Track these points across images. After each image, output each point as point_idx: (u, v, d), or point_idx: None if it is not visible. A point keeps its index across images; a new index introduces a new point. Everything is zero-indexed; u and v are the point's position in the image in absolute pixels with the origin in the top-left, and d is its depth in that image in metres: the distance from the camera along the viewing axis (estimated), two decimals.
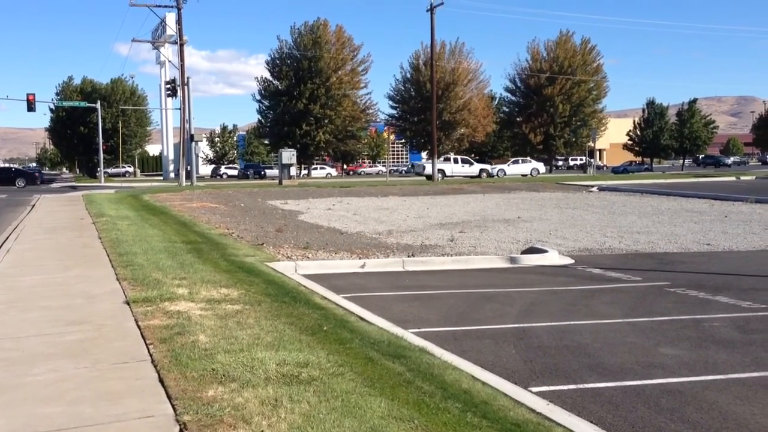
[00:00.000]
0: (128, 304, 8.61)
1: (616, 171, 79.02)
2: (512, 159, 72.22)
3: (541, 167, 68.25)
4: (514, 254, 14.50)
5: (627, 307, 9.79)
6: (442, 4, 51.77)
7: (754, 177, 51.70)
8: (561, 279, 12.16)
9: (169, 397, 5.30)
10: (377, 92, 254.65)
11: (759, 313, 9.28)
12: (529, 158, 72.44)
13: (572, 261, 14.11)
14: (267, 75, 78.39)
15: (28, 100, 55.02)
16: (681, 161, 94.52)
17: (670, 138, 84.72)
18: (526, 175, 62.77)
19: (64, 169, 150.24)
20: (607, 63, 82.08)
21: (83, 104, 72.62)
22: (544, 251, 14.38)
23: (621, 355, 7.36)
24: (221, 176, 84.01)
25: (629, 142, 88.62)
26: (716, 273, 12.72)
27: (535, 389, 6.20)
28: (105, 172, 71.86)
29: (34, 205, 28.70)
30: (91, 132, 79.38)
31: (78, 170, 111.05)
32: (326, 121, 75.62)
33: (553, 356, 7.31)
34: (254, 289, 9.63)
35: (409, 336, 7.66)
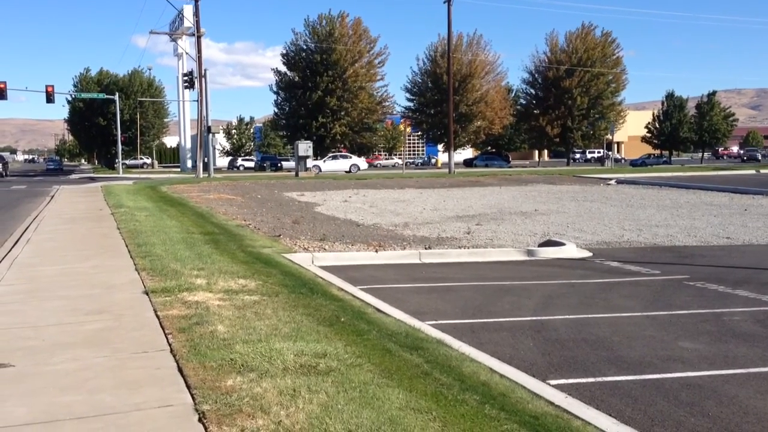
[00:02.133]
0: (147, 294, 8.66)
1: (635, 164, 78.53)
2: (330, 154, 69.54)
3: (361, 163, 63.53)
4: (532, 247, 14.45)
5: (646, 301, 9.73)
6: None
7: None
8: (579, 272, 12.11)
9: (188, 387, 5.32)
10: (394, 84, 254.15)
11: None
12: (349, 154, 70.33)
13: (590, 254, 14.05)
14: (283, 68, 78.42)
15: (46, 92, 55.30)
16: (700, 154, 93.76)
17: (689, 131, 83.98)
18: (348, 172, 58.88)
19: (83, 161, 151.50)
20: (625, 55, 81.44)
21: (101, 96, 72.95)
22: (562, 244, 14.33)
23: (640, 348, 7.31)
24: (238, 168, 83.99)
25: (648, 135, 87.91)
26: (736, 267, 12.62)
27: (553, 382, 6.18)
28: (123, 164, 72.21)
29: (53, 196, 28.92)
30: (109, 123, 79.85)
31: (96, 161, 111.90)
32: (342, 113, 75.49)
33: (572, 349, 7.28)
34: (272, 280, 9.65)
35: (427, 328, 7.65)
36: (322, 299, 8.62)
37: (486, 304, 9.57)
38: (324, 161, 62.76)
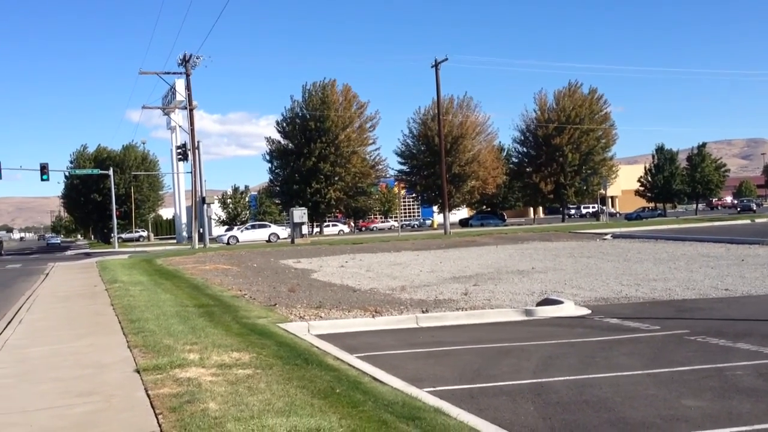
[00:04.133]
0: (138, 372, 8.50)
1: (630, 218, 78.77)
2: (249, 224, 68.47)
3: (281, 232, 60.41)
4: (530, 306, 14.31)
5: (647, 358, 9.58)
6: (446, 60, 52.42)
7: None
8: (578, 330, 11.97)
9: None
10: (386, 147, 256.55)
11: None
12: (268, 222, 69.14)
13: (589, 311, 13.92)
14: (276, 135, 79.31)
15: (41, 169, 55.67)
16: (695, 205, 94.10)
17: (681, 183, 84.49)
18: (269, 241, 56.74)
19: (79, 236, 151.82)
20: (614, 111, 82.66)
21: (96, 171, 73.43)
22: (560, 302, 14.20)
23: (642, 408, 7.15)
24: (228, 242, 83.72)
25: (641, 189, 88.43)
26: (736, 319, 12.49)
27: None
28: (119, 238, 72.21)
29: (47, 274, 28.78)
30: (104, 198, 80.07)
31: (92, 236, 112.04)
32: (336, 178, 76.08)
33: (573, 412, 7.12)
34: (266, 352, 9.50)
35: (424, 395, 7.49)
36: (317, 370, 8.46)
37: (485, 367, 9.41)
38: (242, 231, 60.77)
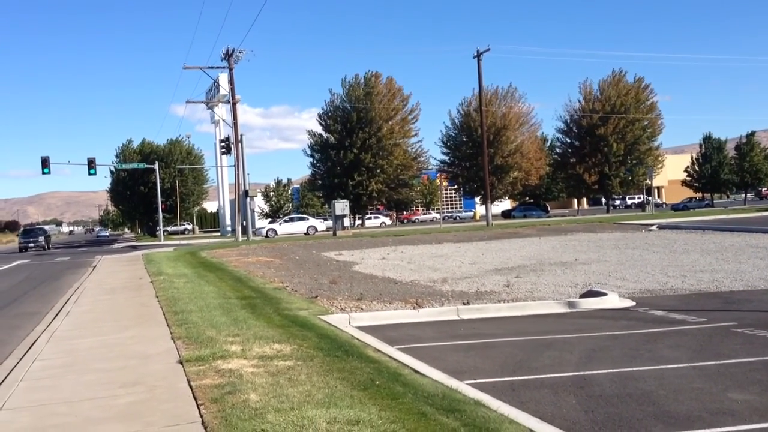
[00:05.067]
0: (181, 363, 8.60)
1: (676, 208, 77.38)
2: (287, 216, 67.31)
3: (319, 224, 59.39)
4: (573, 298, 14.16)
5: (692, 351, 9.40)
6: (489, 50, 52.03)
7: None
8: (622, 323, 11.79)
9: None
10: (428, 140, 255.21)
11: None
12: (306, 216, 67.73)
13: (633, 303, 13.71)
14: (318, 128, 79.64)
15: (88, 164, 56.66)
16: (743, 195, 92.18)
17: (729, 172, 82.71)
18: (307, 234, 55.80)
19: (126, 230, 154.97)
20: (661, 100, 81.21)
21: (142, 165, 74.52)
22: (604, 294, 14.01)
23: (687, 402, 7.02)
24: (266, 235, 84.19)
25: (688, 179, 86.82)
26: None
27: None
28: (164, 231, 73.25)
29: (95, 267, 29.31)
30: (150, 192, 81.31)
31: (139, 230, 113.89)
32: (378, 170, 76.09)
33: (616, 405, 7.01)
34: (307, 344, 9.54)
35: (464, 388, 7.45)
36: (357, 362, 8.46)
37: (526, 360, 9.32)
38: (280, 224, 60.15)
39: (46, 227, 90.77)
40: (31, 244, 57.62)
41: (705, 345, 9.73)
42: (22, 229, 71.94)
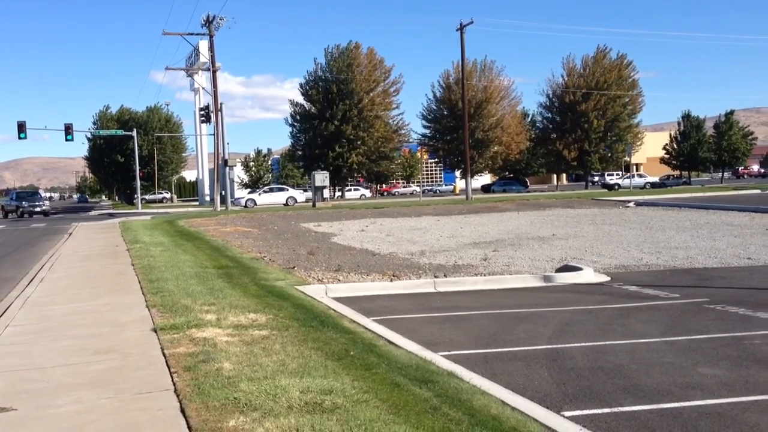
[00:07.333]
0: (155, 331, 8.57)
1: (654, 185, 77.93)
2: (267, 187, 66.84)
3: (298, 195, 59.11)
4: (549, 272, 14.25)
5: (664, 326, 9.50)
6: (472, 23, 51.79)
7: None
8: (596, 297, 11.90)
9: (189, 428, 5.20)
10: (409, 112, 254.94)
11: None
12: (286, 186, 67.37)
13: (608, 278, 13.83)
14: (299, 99, 79.08)
15: (65, 129, 55.95)
16: (720, 174, 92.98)
17: (708, 151, 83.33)
18: (286, 204, 55.63)
19: (104, 197, 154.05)
20: (644, 77, 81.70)
21: (120, 132, 73.79)
22: (579, 269, 14.12)
23: (658, 376, 7.10)
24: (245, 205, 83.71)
25: (666, 156, 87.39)
26: (757, 288, 12.35)
27: (567, 413, 5.99)
28: (142, 199, 72.69)
29: (71, 233, 29.06)
30: (128, 159, 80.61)
31: (116, 197, 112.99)
32: (359, 142, 75.84)
33: (588, 378, 7.08)
34: (282, 314, 9.53)
35: (438, 359, 7.49)
36: (332, 332, 8.48)
37: (501, 332, 9.39)
38: (259, 194, 59.69)
39: (43, 194, 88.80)
40: (37, 209, 54.00)
41: (677, 320, 9.84)
42: (15, 192, 65.00)
